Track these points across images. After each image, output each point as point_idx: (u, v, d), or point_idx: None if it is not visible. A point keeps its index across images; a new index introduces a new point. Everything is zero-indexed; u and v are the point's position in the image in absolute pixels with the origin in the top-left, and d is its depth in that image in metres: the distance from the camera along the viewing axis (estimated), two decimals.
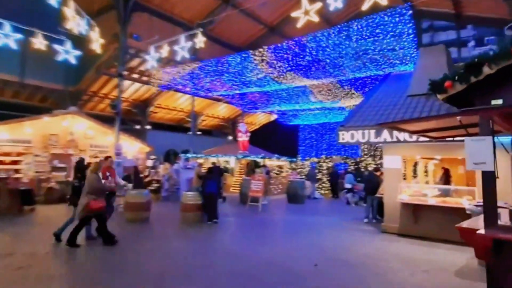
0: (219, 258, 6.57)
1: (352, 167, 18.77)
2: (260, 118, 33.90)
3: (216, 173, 10.86)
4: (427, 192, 8.97)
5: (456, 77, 3.31)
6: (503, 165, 7.56)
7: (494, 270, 3.51)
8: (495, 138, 7.54)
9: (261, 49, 12.06)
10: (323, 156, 20.76)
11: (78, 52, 13.30)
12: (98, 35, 13.10)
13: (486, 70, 3.24)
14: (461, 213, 7.87)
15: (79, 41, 13.65)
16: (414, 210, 8.45)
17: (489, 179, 3.64)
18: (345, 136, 8.79)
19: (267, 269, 5.91)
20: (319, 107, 20.40)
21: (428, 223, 8.36)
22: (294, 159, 22.39)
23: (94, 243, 7.38)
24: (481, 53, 3.28)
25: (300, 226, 9.92)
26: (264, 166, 17.25)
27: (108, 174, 8.08)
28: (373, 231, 9.28)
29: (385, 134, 8.25)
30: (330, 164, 20.05)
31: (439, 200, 8.09)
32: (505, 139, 7.52)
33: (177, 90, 21.44)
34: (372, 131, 8.44)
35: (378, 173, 11.02)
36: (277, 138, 27.83)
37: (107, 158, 8.57)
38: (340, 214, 12.37)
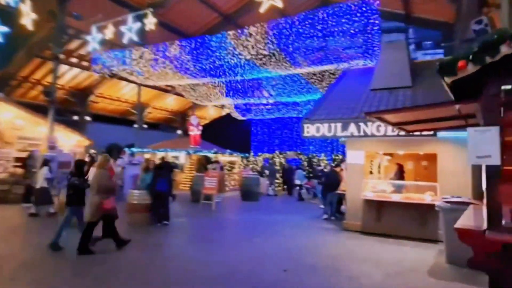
0: (174, 268, 5.67)
1: (305, 163, 18.64)
2: (211, 112, 32.80)
3: (167, 170, 9.80)
4: (385, 188, 8.85)
5: (471, 57, 2.83)
6: (462, 161, 7.59)
7: (500, 275, 3.12)
8: (456, 132, 7.56)
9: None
10: (276, 152, 20.41)
11: (5, 29, 11.33)
12: (30, 8, 11.24)
13: (505, 50, 2.79)
14: (423, 209, 7.80)
15: (8, 16, 11.66)
16: (377, 207, 8.24)
17: (494, 174, 3.24)
18: (310, 130, 8.31)
19: (233, 278, 5.16)
20: (272, 101, 20.02)
21: (390, 220, 8.19)
22: (247, 155, 21.79)
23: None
24: (498, 31, 2.83)
25: (260, 226, 9.29)
26: (217, 161, 16.39)
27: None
28: (335, 229, 8.94)
29: (352, 128, 7.91)
30: (284, 160, 19.80)
31: (403, 196, 7.95)
32: (463, 135, 7.56)
33: (122, 78, 19.62)
34: (339, 125, 8.05)
35: (338, 169, 10.78)
36: (229, 133, 27.01)
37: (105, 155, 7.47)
38: (297, 212, 11.99)
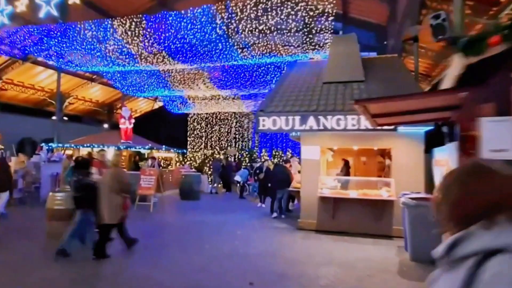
0: None
1: (247, 159, 18.08)
2: (141, 105, 30.45)
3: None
4: (336, 185, 8.66)
5: (507, 31, 2.39)
6: (417, 155, 7.64)
7: None
8: (408, 128, 7.57)
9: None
10: (217, 148, 19.50)
11: None
12: None
13: None
14: (378, 206, 7.70)
15: None
16: (333, 205, 7.95)
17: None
18: (266, 123, 7.66)
19: None
20: (211, 95, 19.05)
21: (346, 217, 7.97)
22: (184, 151, 20.51)
23: None
24: None
25: (208, 228, 8.41)
26: (153, 158, 14.95)
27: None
28: (289, 229, 8.46)
29: (311, 121, 7.45)
30: (223, 156, 19.00)
31: (360, 193, 7.75)
32: (419, 130, 7.61)
33: (38, 63, 16.89)
34: (297, 118, 7.53)
35: (288, 165, 10.37)
36: (162, 128, 25.32)
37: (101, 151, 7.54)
38: (242, 211, 11.31)
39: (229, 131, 22.20)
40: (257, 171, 11.19)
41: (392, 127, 6.78)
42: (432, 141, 7.58)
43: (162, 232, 8.25)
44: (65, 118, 23.39)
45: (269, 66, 13.43)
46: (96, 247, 5.62)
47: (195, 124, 24.18)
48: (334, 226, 7.97)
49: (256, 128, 7.82)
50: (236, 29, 10.05)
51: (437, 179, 7.31)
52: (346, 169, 11.49)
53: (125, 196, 5.88)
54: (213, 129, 23.34)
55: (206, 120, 23.44)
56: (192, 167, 19.64)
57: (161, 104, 24.82)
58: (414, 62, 11.68)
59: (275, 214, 9.93)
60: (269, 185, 10.51)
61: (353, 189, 8.30)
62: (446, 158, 6.53)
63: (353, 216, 7.88)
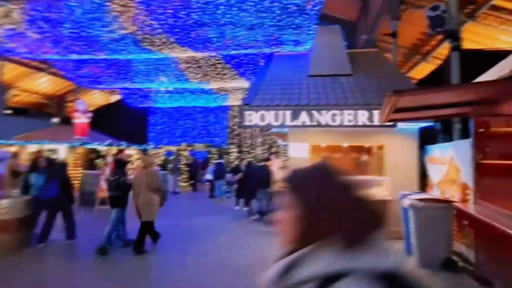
0: None
1: (216, 156, 17.14)
2: (96, 98, 28.16)
3: (57, 168, 7.13)
4: None
5: None
6: (410, 153, 7.28)
7: None
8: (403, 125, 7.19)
9: None
10: (183, 144, 18.33)
11: None
12: None
13: None
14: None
15: None
16: None
17: None
18: (253, 118, 6.87)
19: None
20: (173, 88, 17.85)
21: None
22: (147, 148, 19.08)
23: None
24: None
25: (185, 235, 7.50)
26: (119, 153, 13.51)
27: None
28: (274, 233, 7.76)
29: (304, 117, 6.79)
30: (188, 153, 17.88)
31: None
32: (413, 126, 7.26)
33: None
34: (288, 112, 6.84)
35: (268, 164, 9.68)
36: (120, 123, 23.51)
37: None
38: (218, 213, 10.46)
39: (195, 126, 21.05)
40: (235, 171, 10.37)
41: (392, 123, 6.34)
42: (425, 138, 7.27)
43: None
44: (8, 111, 20.90)
45: (242, 58, 12.62)
46: (137, 242, 6.00)
47: (157, 118, 22.72)
48: None
49: (241, 124, 7.01)
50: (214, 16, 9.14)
51: (434, 177, 7.01)
52: None
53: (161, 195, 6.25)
54: (178, 124, 22.05)
55: (169, 114, 22.07)
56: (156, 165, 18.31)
57: (119, 97, 23.04)
58: (392, 58, 11.52)
59: (255, 217, 9.22)
60: (246, 185, 9.77)
61: None
62: (447, 156, 6.20)
63: None
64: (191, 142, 19.30)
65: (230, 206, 11.42)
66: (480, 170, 4.78)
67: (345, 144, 8.05)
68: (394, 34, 10.71)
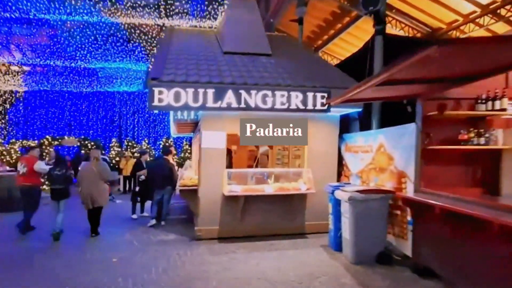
0: None
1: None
2: None
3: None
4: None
5: None
6: (331, 142, 6.89)
7: None
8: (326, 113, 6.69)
9: None
10: (48, 137, 14.71)
11: None
12: None
13: None
14: (293, 201, 6.60)
15: None
16: (243, 204, 6.36)
17: None
18: (164, 97, 5.27)
19: None
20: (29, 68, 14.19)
21: (255, 218, 6.52)
22: None
23: None
24: None
25: (65, 259, 5.40)
26: None
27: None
28: (183, 241, 6.34)
29: (230, 97, 5.56)
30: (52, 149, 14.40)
31: (276, 188, 6.40)
32: (334, 114, 6.84)
33: None
34: (211, 91, 5.49)
35: (169, 157, 8.11)
36: None
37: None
38: (103, 222, 8.20)
39: (61, 116, 17.25)
40: (136, 168, 8.12)
41: (324, 107, 5.73)
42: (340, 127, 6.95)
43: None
44: None
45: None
46: (96, 225, 6.70)
47: (6, 105, 17.89)
48: (240, 231, 6.41)
49: (149, 105, 5.33)
50: None
51: (352, 166, 6.74)
52: (229, 159, 10.07)
53: None
54: (36, 113, 17.76)
55: (26, 102, 17.63)
56: (5, 164, 14.24)
57: None
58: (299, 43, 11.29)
59: (152, 222, 7.58)
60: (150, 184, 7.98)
61: (261, 183, 6.91)
62: (374, 144, 5.92)
63: (263, 215, 6.51)
64: (54, 134, 15.73)
65: (117, 212, 9.28)
66: (425, 157, 4.50)
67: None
68: (300, 21, 10.41)
